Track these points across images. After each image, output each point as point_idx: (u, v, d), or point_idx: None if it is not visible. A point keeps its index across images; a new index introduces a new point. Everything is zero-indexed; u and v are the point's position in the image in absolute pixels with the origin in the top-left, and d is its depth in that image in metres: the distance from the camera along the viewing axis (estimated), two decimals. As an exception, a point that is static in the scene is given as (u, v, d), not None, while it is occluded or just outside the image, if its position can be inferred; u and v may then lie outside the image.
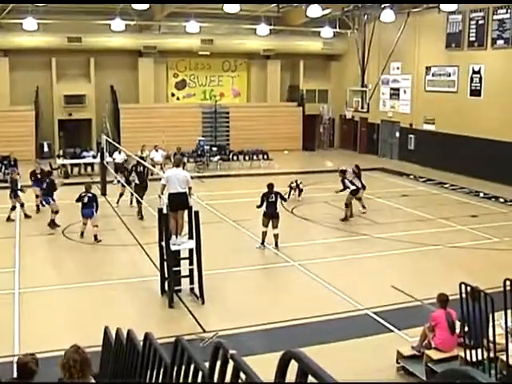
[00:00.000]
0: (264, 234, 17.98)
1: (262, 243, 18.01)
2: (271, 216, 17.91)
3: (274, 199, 17.91)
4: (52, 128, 36.27)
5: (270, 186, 18.15)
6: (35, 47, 34.66)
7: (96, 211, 19.28)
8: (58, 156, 31.63)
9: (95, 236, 18.92)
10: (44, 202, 21.25)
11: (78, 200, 19.20)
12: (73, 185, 24.22)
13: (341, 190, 22.21)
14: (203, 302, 13.61)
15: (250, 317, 12.77)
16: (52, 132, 36.26)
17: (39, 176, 22.49)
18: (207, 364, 3.48)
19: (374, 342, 11.64)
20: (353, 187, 21.90)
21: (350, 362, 10.50)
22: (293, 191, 24.80)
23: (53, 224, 20.38)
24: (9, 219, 21.30)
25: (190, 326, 12.46)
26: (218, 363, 3.19)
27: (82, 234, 19.21)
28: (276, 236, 17.96)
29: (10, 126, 33.48)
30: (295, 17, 37.53)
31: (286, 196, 24.41)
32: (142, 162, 22.21)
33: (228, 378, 3.04)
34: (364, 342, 11.63)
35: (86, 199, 19.08)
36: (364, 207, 22.57)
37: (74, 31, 34.67)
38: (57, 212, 20.55)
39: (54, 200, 20.67)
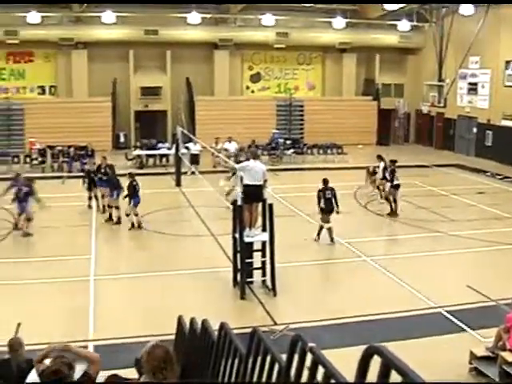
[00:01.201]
0: (329, 230, 17.83)
1: (332, 240, 17.79)
2: (329, 212, 17.80)
3: (330, 195, 17.78)
4: (128, 119, 36.98)
5: (326, 181, 18.03)
6: (113, 40, 35.42)
7: None
8: (135, 147, 32.34)
9: (134, 224, 19.21)
10: (115, 196, 19.98)
11: (133, 189, 19.19)
12: (148, 175, 24.59)
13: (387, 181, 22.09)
14: (275, 295, 13.66)
15: (322, 310, 12.75)
16: (128, 123, 36.96)
17: (103, 170, 20.91)
18: (282, 356, 3.50)
19: (447, 341, 11.43)
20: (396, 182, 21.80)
21: (421, 360, 10.24)
22: (367, 177, 24.83)
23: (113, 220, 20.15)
24: (90, 207, 21.73)
25: (261, 317, 12.52)
26: (296, 356, 3.20)
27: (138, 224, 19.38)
28: (330, 229, 17.85)
29: (87, 117, 34.28)
30: (372, 10, 37.16)
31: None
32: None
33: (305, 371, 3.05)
34: (436, 340, 11.43)
35: (137, 187, 19.37)
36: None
37: (150, 24, 35.27)
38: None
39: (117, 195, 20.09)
